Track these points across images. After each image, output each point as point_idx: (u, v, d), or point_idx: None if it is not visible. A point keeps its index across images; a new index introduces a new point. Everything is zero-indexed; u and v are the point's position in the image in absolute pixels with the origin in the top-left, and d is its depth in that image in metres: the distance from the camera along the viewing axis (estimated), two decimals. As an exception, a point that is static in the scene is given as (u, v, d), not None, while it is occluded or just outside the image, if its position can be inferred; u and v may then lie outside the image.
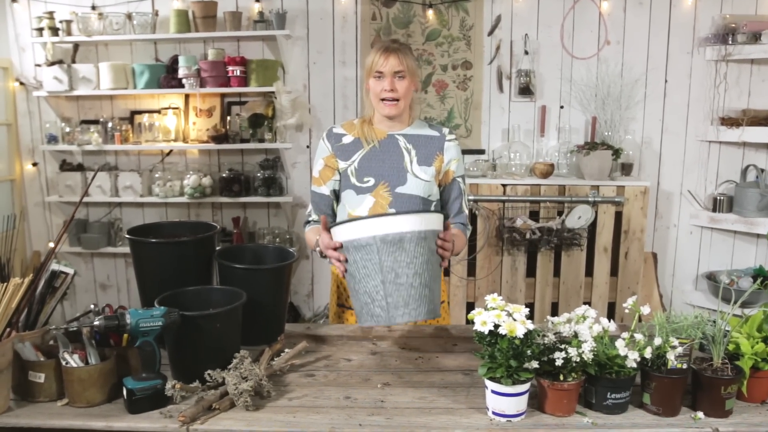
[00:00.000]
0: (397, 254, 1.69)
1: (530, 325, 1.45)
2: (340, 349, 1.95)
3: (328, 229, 1.82)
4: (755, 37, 3.64)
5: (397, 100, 2.05)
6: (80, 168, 4.17)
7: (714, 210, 3.89)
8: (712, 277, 3.90)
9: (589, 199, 3.58)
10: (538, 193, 3.67)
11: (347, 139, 2.14)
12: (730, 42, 3.68)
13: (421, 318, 1.73)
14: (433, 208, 2.12)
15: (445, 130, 2.16)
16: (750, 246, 3.98)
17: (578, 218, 3.59)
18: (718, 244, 4.02)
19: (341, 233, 1.77)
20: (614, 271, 3.73)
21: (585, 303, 3.64)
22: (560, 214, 3.65)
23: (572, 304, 3.70)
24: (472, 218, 3.70)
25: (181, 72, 3.86)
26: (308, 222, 2.20)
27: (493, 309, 1.49)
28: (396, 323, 1.74)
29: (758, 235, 3.91)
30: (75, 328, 1.63)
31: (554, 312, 3.73)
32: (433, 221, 1.76)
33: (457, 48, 3.95)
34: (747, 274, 3.77)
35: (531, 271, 3.75)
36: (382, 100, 2.05)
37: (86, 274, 4.37)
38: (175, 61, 3.95)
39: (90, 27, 3.88)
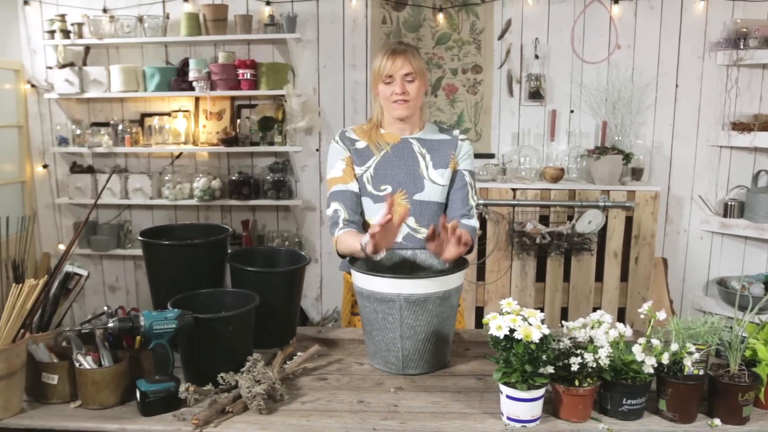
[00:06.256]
0: (419, 313, 1.71)
1: (546, 330, 1.45)
2: (352, 352, 1.94)
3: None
4: (767, 42, 3.63)
5: (408, 101, 2.04)
6: (90, 170, 4.18)
7: (725, 215, 3.87)
8: (722, 283, 3.87)
9: (600, 203, 3.57)
10: (548, 197, 3.65)
11: (360, 145, 2.11)
12: (742, 47, 3.66)
13: (432, 370, 1.79)
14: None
15: (456, 132, 2.16)
16: (761, 252, 3.95)
17: (588, 223, 3.57)
18: (728, 250, 4.00)
19: (364, 281, 1.76)
20: (624, 277, 3.71)
21: (595, 308, 3.62)
22: (570, 218, 3.64)
23: (582, 309, 3.68)
24: (482, 222, 3.70)
25: (192, 75, 3.87)
26: (338, 224, 2.02)
27: (509, 313, 1.49)
28: (408, 374, 1.77)
29: (770, 241, 3.90)
30: (88, 330, 1.63)
31: (564, 317, 3.71)
32: (458, 279, 1.77)
33: (468, 52, 3.95)
34: (758, 280, 3.75)
35: (541, 276, 3.74)
36: (394, 102, 2.04)
37: (95, 276, 4.37)
38: (185, 64, 3.96)
39: (101, 30, 3.90)
